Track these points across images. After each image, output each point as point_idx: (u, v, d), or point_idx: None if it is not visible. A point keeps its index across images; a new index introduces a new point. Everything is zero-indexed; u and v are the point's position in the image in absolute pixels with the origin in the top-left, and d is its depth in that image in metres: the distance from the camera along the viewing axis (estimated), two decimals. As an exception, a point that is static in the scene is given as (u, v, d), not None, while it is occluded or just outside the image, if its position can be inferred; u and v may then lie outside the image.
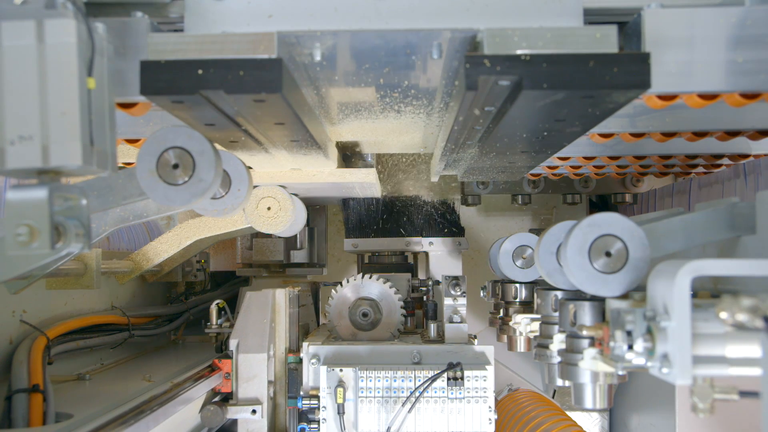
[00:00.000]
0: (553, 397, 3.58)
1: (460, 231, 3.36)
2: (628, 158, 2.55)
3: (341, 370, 2.55)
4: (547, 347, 1.88)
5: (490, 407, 2.50)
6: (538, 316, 1.97)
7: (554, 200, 4.07)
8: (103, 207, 1.56)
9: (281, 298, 2.90)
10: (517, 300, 2.60)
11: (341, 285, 2.80)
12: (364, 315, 2.76)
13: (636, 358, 1.12)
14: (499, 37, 1.20)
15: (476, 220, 4.20)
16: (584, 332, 1.31)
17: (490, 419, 2.49)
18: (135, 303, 3.30)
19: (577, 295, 1.54)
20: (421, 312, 3.16)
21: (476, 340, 2.70)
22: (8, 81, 1.10)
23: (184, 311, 3.58)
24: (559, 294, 1.85)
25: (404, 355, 2.61)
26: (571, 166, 2.73)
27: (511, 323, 2.55)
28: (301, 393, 2.66)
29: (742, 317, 1.00)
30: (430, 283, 3.17)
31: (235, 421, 2.77)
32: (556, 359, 1.81)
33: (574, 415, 3.27)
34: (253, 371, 2.73)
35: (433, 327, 2.76)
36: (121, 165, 2.25)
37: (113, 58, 1.26)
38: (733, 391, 1.09)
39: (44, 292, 2.44)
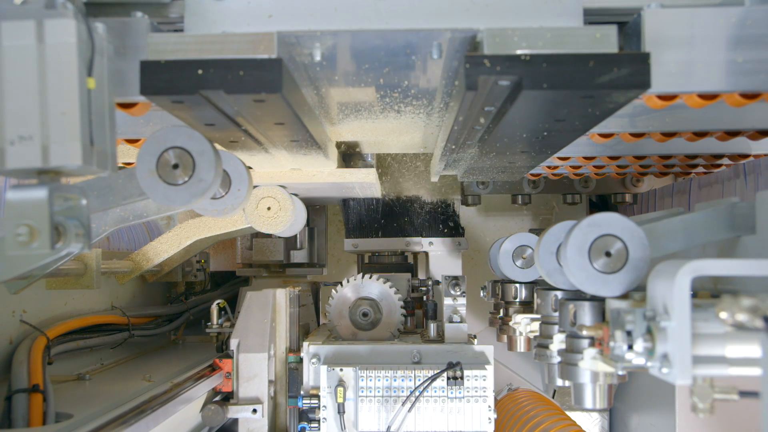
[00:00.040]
0: (553, 397, 3.58)
1: (460, 231, 3.37)
2: (628, 158, 2.54)
3: (341, 370, 2.55)
4: (547, 347, 1.88)
5: (489, 406, 2.50)
6: (538, 316, 1.97)
7: (554, 200, 4.07)
8: (103, 207, 1.56)
9: (282, 298, 2.90)
10: (517, 300, 2.60)
11: (341, 285, 2.80)
12: (365, 315, 2.76)
13: (636, 358, 1.12)
14: (499, 37, 1.20)
15: (476, 220, 4.20)
16: (584, 332, 1.31)
17: (489, 418, 2.50)
18: (135, 303, 3.30)
19: (577, 295, 1.54)
20: (421, 312, 3.17)
21: (476, 340, 2.70)
22: (8, 81, 1.10)
23: (184, 311, 3.58)
24: (559, 294, 1.85)
25: (404, 355, 2.61)
26: (571, 166, 2.73)
27: (511, 323, 2.55)
28: (302, 392, 2.66)
29: (742, 317, 1.00)
30: (430, 283, 3.18)
31: (235, 421, 2.77)
32: (556, 359, 1.81)
33: (574, 415, 3.27)
34: (254, 371, 2.73)
35: (432, 327, 2.76)
36: (121, 165, 2.25)
37: (113, 58, 1.26)
38: (733, 391, 1.09)
39: (44, 292, 2.44)
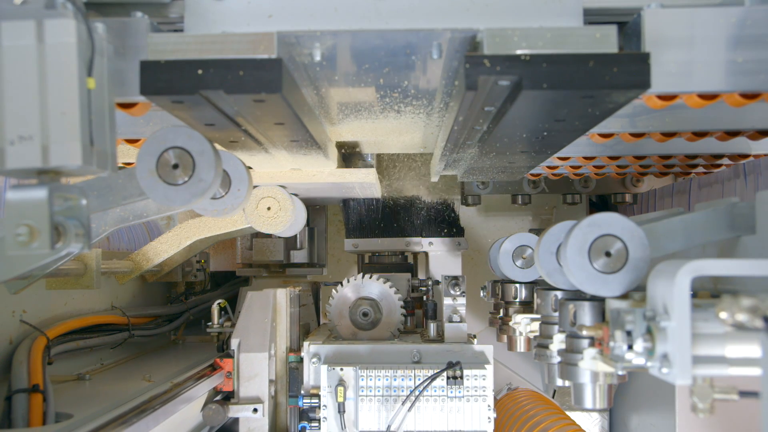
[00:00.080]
0: (553, 397, 3.58)
1: (460, 231, 3.37)
2: (628, 158, 2.54)
3: (342, 369, 2.55)
4: (547, 347, 1.88)
5: (489, 406, 2.50)
6: (538, 316, 1.97)
7: (554, 200, 4.07)
8: (103, 207, 1.56)
9: (282, 297, 2.91)
10: (517, 300, 2.60)
11: (341, 285, 2.80)
12: (365, 314, 2.76)
13: (636, 358, 1.12)
14: (499, 37, 1.20)
15: (476, 220, 4.20)
16: (584, 332, 1.31)
17: (489, 418, 2.50)
18: (135, 303, 3.30)
19: (577, 295, 1.54)
20: (421, 312, 3.17)
21: (476, 340, 2.71)
22: (8, 81, 1.10)
23: (184, 311, 3.58)
24: (559, 294, 1.85)
25: (404, 355, 2.61)
26: (571, 166, 2.73)
27: (511, 323, 2.55)
28: (302, 392, 2.66)
29: (741, 317, 1.00)
30: (429, 282, 3.18)
31: (236, 420, 2.78)
32: (556, 359, 1.81)
33: (574, 415, 3.27)
34: (255, 370, 2.74)
35: (432, 326, 2.76)
36: (121, 165, 2.25)
37: (113, 58, 1.26)
38: (733, 391, 1.09)
39: (44, 292, 2.44)
